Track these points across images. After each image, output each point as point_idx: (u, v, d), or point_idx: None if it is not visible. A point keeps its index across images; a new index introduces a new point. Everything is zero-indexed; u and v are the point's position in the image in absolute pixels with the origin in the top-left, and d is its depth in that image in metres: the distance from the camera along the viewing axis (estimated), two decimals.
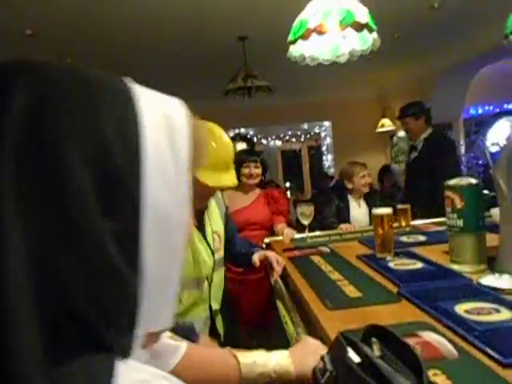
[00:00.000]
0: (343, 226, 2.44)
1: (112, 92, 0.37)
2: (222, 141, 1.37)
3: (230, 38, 3.98)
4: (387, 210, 1.65)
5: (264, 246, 2.19)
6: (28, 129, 0.32)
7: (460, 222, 1.38)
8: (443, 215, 1.50)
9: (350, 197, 2.81)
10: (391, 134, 7.45)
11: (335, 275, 1.50)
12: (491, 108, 6.12)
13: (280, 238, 2.33)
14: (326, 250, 1.93)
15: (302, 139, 8.64)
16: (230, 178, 1.40)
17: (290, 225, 2.62)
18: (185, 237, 0.41)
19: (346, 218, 2.68)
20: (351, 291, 1.31)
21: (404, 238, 1.98)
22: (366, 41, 1.83)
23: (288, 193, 7.16)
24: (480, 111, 6.11)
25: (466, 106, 5.82)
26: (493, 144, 1.26)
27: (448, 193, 1.42)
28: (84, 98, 0.35)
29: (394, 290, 1.27)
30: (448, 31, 4.30)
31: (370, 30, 1.71)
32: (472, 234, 1.37)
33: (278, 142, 8.54)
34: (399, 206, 2.30)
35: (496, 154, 1.25)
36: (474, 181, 1.40)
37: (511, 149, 1.19)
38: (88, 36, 3.72)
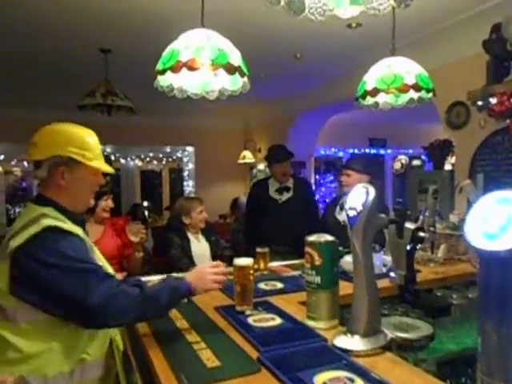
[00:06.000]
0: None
1: None
2: (92, 133, 1.43)
3: (92, 49, 3.65)
4: (248, 261, 1.55)
5: None
6: None
7: (318, 279, 1.39)
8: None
9: (188, 233, 2.83)
10: (251, 166, 7.59)
11: (191, 335, 1.39)
12: (336, 150, 7.80)
13: None
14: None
15: (164, 162, 8.34)
16: (108, 166, 1.45)
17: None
18: None
19: (189, 255, 2.74)
20: (209, 358, 1.20)
21: (262, 285, 1.95)
22: (236, 82, 1.76)
23: (146, 213, 6.82)
24: (328, 152, 7.69)
25: (317, 146, 6.79)
26: (351, 208, 1.27)
27: (308, 249, 1.41)
28: None
29: (254, 354, 1.22)
30: (308, 79, 4.75)
31: (242, 74, 1.65)
32: (328, 290, 1.40)
33: (138, 162, 8.12)
34: (258, 250, 2.27)
35: (353, 218, 1.25)
36: (331, 238, 1.42)
37: (367, 214, 1.22)
38: None
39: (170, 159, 8.29)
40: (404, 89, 2.12)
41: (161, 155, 8.08)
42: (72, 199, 1.36)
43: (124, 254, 2.46)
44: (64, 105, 4.75)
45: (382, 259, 2.15)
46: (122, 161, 7.94)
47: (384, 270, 2.14)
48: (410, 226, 1.85)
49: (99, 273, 1.24)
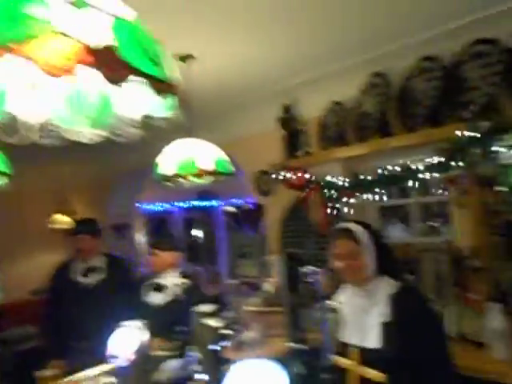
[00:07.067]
0: None
1: None
2: None
3: None
4: None
5: None
6: None
7: None
8: None
9: None
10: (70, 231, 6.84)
11: None
12: (166, 205, 7.40)
13: None
14: None
15: None
16: None
17: None
18: None
19: None
20: None
21: None
22: None
23: None
24: (157, 208, 7.19)
25: (141, 203, 6.35)
26: (113, 356, 1.04)
27: None
28: None
29: None
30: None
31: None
32: None
33: None
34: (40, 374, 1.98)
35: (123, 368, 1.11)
36: None
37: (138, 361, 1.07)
38: None
39: None
40: (204, 174, 2.10)
41: None
42: None
43: None
44: None
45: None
46: None
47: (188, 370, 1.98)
48: (212, 324, 1.74)
49: None
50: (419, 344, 1.36)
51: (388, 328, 1.38)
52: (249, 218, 3.95)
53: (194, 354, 2.03)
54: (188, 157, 2.08)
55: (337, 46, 2.52)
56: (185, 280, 2.59)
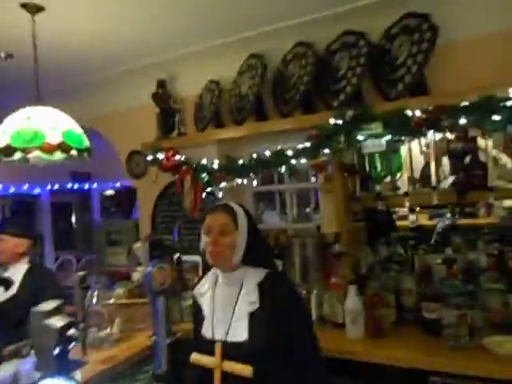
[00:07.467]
0: None
1: None
2: None
3: None
4: None
5: None
6: None
7: None
8: None
9: None
10: None
11: None
12: (33, 186, 6.56)
13: None
14: None
15: None
16: None
17: None
18: None
19: None
20: None
21: None
22: None
23: None
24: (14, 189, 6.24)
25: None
26: None
27: None
28: None
29: None
30: None
31: None
32: None
33: None
34: None
35: None
36: None
37: None
38: None
39: None
40: (48, 149, 1.77)
41: None
42: None
43: None
44: None
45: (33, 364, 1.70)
46: None
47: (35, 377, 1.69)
48: (55, 323, 1.51)
49: None
50: (288, 331, 1.33)
51: (256, 318, 1.32)
52: (124, 202, 3.62)
53: (32, 359, 1.75)
54: (28, 126, 1.74)
55: (212, 22, 2.37)
56: (32, 272, 2.26)
